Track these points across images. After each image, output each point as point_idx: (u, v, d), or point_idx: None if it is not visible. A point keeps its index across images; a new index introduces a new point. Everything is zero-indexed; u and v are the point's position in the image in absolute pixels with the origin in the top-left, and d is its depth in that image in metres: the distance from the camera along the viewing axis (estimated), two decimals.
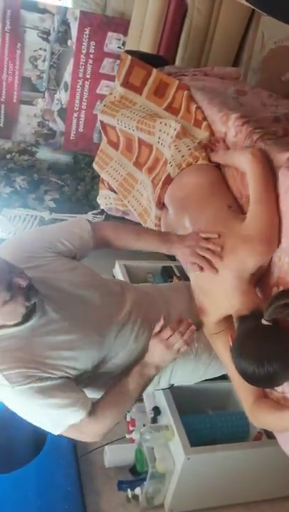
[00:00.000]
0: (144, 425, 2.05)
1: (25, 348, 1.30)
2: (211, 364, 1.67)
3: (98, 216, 3.18)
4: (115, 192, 2.29)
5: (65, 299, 1.40)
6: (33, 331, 1.31)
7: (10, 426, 2.32)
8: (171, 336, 1.42)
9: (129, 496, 1.97)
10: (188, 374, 1.67)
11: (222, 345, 1.43)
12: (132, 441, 2.08)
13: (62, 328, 1.35)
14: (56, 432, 1.34)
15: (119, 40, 3.11)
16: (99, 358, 1.42)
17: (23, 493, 1.97)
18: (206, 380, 2.28)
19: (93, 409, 1.35)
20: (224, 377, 2.28)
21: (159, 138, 1.88)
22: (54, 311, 1.35)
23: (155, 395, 2.13)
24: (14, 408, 1.32)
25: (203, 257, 1.45)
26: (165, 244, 1.59)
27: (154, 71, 2.00)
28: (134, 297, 1.56)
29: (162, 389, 1.76)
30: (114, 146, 2.25)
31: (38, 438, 2.20)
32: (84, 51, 3.14)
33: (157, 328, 1.44)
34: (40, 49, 3.16)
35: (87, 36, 3.10)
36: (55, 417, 1.32)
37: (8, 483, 1.99)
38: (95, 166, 2.41)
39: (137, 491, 1.96)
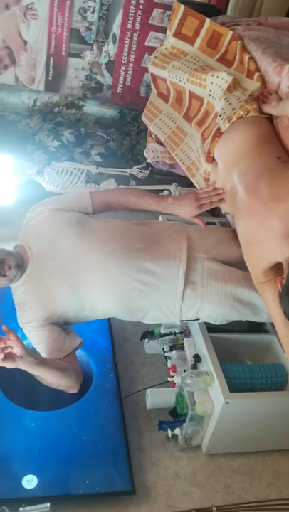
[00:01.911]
0: (184, 371, 2.13)
1: None
2: (234, 305, 1.90)
3: (143, 171, 3.20)
4: (163, 145, 2.31)
5: None
6: None
7: None
8: None
9: (169, 435, 2.07)
10: (216, 309, 1.92)
11: (270, 293, 1.48)
12: (173, 385, 2.17)
13: None
14: None
15: None
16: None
17: (70, 428, 2.10)
18: (245, 331, 2.37)
19: None
20: (265, 330, 2.37)
21: (211, 91, 1.88)
22: None
23: (196, 343, 2.20)
24: None
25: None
26: (161, 204, 1.86)
27: (208, 21, 1.98)
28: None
29: (188, 320, 2.00)
30: (164, 98, 2.26)
31: (85, 379, 2.34)
32: (133, 1, 3.09)
33: None
34: (89, 0, 3.13)
35: None
36: None
37: (58, 419, 2.12)
38: (143, 118, 2.42)
39: (177, 431, 2.06)
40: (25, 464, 1.91)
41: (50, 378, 1.75)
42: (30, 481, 1.84)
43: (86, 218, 1.85)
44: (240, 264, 1.84)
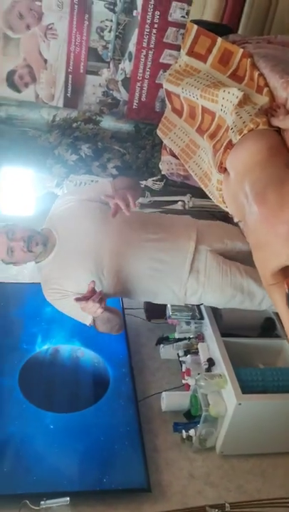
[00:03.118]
0: (198, 374, 2.20)
1: None
2: (234, 295, 2.14)
3: (158, 182, 3.31)
4: (177, 158, 2.41)
5: None
6: None
7: (79, 372, 2.56)
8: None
9: (184, 436, 2.14)
10: (217, 297, 2.17)
11: (278, 295, 1.55)
12: (188, 387, 2.25)
13: None
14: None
15: (183, 9, 3.17)
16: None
17: (88, 429, 2.18)
18: (258, 336, 2.44)
19: None
20: (277, 335, 2.44)
21: (222, 106, 1.97)
22: None
23: (210, 347, 2.28)
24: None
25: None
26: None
27: (219, 40, 2.08)
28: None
29: (192, 304, 2.31)
30: (178, 113, 2.36)
31: (102, 383, 2.42)
32: (148, 21, 3.22)
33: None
34: (106, 20, 3.26)
35: (152, 6, 3.17)
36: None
37: (76, 420, 2.21)
38: (158, 132, 2.52)
39: (191, 432, 2.13)
40: (46, 461, 2.00)
41: (104, 323, 2.06)
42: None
43: (107, 209, 2.06)
44: (241, 258, 2.12)
